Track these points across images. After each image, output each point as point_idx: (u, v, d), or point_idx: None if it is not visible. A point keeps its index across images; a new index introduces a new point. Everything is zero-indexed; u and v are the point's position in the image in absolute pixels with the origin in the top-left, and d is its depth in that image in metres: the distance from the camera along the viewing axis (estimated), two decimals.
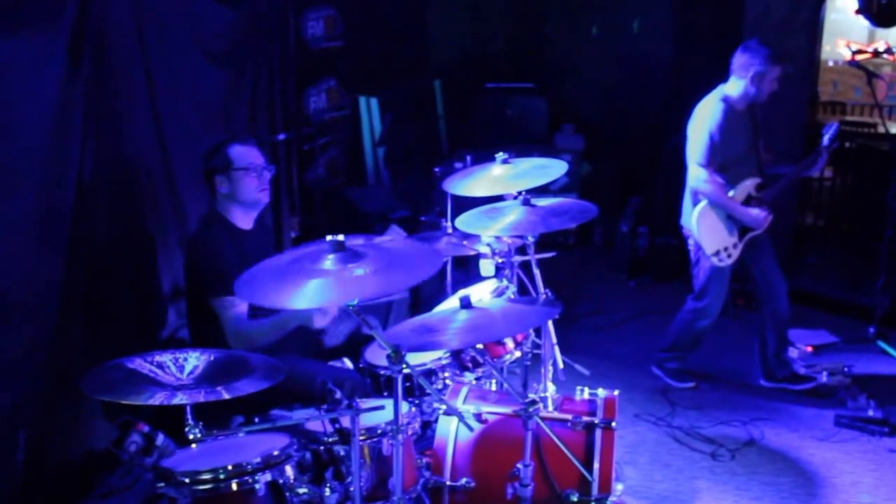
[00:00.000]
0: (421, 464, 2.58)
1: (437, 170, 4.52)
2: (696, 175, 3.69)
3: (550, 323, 2.65)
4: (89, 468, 2.94)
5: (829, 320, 4.85)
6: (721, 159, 3.68)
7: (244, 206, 2.92)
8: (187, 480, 2.10)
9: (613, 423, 2.52)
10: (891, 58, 6.96)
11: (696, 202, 3.77)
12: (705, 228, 3.74)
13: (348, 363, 3.05)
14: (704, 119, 3.69)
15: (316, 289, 1.89)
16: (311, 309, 2.68)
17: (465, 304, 2.28)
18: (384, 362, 2.74)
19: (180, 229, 3.50)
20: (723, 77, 3.79)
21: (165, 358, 2.09)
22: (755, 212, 3.74)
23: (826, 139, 3.82)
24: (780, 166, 3.94)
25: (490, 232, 2.64)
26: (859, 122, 7.37)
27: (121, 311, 3.15)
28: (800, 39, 5.36)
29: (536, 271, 2.57)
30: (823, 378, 4.05)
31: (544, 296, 2.57)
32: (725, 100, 3.70)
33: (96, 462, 2.95)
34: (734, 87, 3.71)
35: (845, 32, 7.02)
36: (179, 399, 1.90)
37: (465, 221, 2.67)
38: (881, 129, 6.40)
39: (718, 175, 3.69)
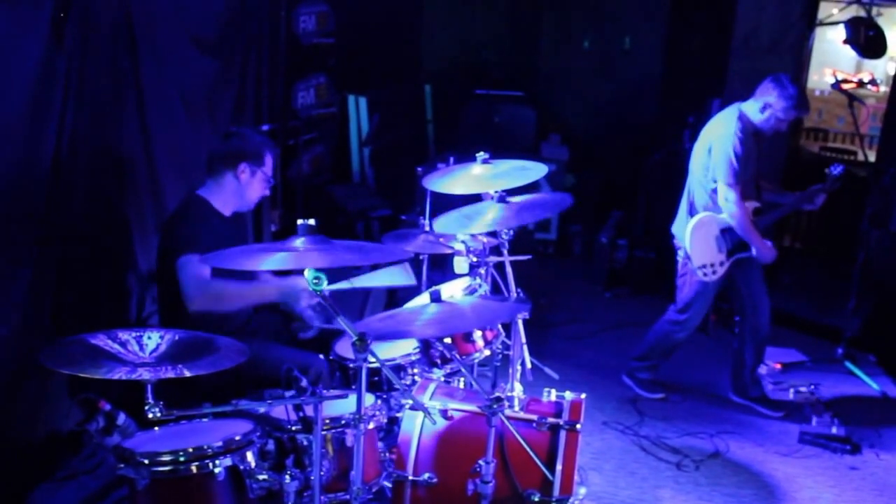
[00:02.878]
0: (384, 458, 2.58)
1: (419, 169, 4.53)
2: (726, 195, 3.65)
3: (521, 323, 2.66)
4: (53, 450, 2.90)
5: (800, 339, 4.90)
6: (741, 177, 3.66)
7: (236, 199, 2.95)
8: (146, 461, 2.09)
9: (578, 426, 2.54)
10: (874, 88, 7.10)
11: (692, 213, 3.80)
12: (697, 241, 3.76)
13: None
14: (726, 137, 3.65)
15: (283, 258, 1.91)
16: (298, 287, 2.66)
17: (435, 297, 2.28)
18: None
19: (158, 214, 3.48)
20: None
21: (128, 336, 2.08)
22: (768, 247, 3.73)
23: (830, 179, 3.84)
24: (778, 195, 3.96)
25: (470, 232, 2.65)
26: (840, 149, 7.49)
27: (93, 292, 3.13)
28: (786, 62, 5.45)
29: (509, 270, 2.58)
30: (790, 395, 4.10)
31: (515, 295, 2.58)
32: (741, 118, 3.69)
33: (60, 444, 2.91)
34: (752, 108, 3.70)
35: (833, 63, 7.14)
36: (140, 375, 1.89)
37: (442, 224, 2.69)
38: (860, 157, 6.51)
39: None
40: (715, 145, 3.71)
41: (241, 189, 2.93)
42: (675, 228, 3.92)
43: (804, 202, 3.92)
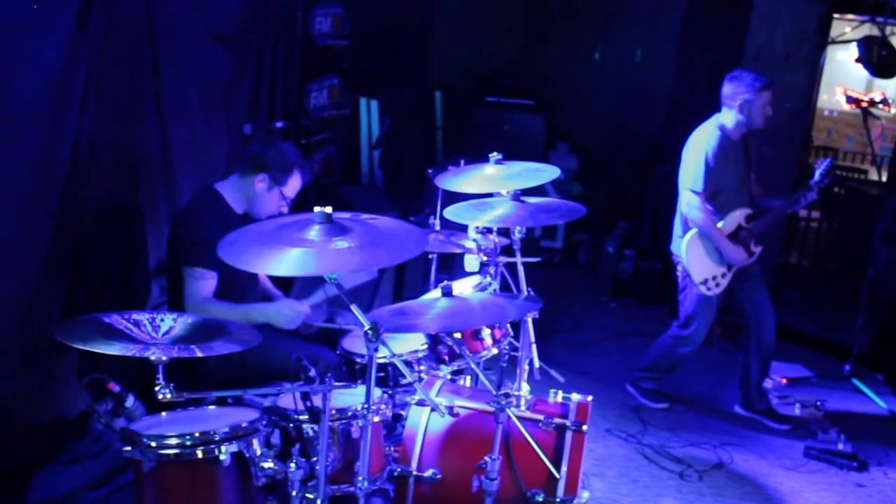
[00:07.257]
0: (389, 452, 2.57)
1: (430, 171, 4.56)
2: (689, 201, 3.70)
3: (530, 323, 2.65)
4: (58, 433, 2.91)
5: (806, 355, 4.88)
6: (714, 187, 3.70)
7: (247, 203, 2.98)
8: (153, 444, 2.09)
9: (584, 427, 2.53)
10: (885, 108, 7.11)
11: (686, 230, 3.79)
12: (694, 257, 3.76)
13: None
14: (700, 145, 3.70)
15: (297, 258, 1.90)
16: (283, 310, 2.77)
17: (447, 292, 2.29)
18: (361, 350, 2.75)
19: (171, 205, 3.50)
20: (720, 109, 3.83)
21: (142, 317, 2.09)
22: (738, 250, 3.74)
23: (817, 175, 3.86)
24: (771, 199, 3.98)
25: (478, 223, 2.65)
26: (850, 168, 7.50)
27: (104, 280, 3.14)
28: (798, 76, 5.45)
29: (521, 269, 2.58)
30: (796, 410, 4.08)
31: (526, 294, 2.58)
32: (721, 128, 3.73)
33: (66, 427, 2.92)
34: (727, 117, 3.74)
35: (843, 82, 7.15)
36: (152, 353, 1.89)
37: (453, 212, 2.69)
38: (872, 176, 6.51)
39: (709, 203, 3.71)
40: (689, 153, 3.74)
41: (255, 197, 2.95)
42: (673, 247, 3.92)
43: (796, 203, 3.92)
